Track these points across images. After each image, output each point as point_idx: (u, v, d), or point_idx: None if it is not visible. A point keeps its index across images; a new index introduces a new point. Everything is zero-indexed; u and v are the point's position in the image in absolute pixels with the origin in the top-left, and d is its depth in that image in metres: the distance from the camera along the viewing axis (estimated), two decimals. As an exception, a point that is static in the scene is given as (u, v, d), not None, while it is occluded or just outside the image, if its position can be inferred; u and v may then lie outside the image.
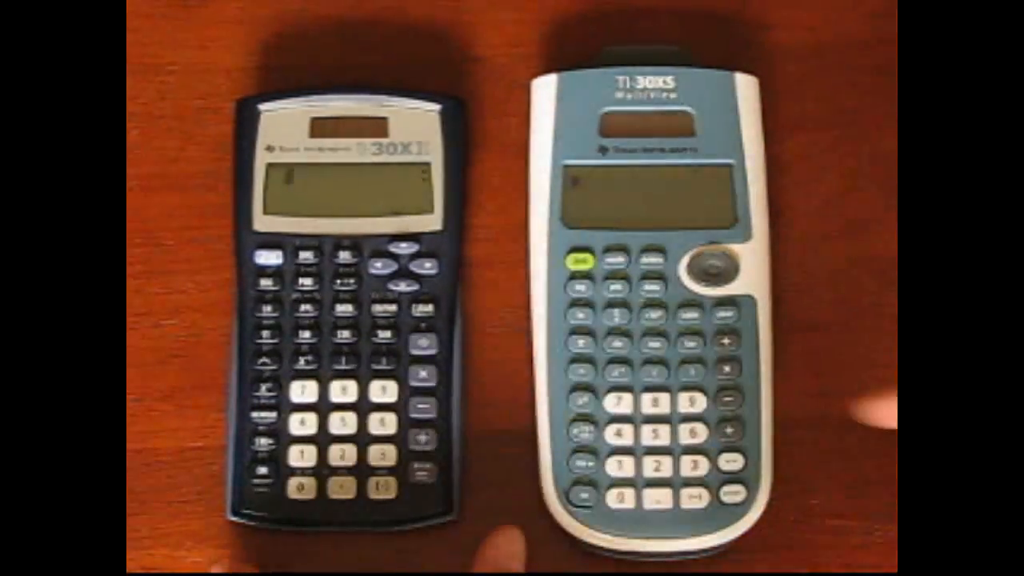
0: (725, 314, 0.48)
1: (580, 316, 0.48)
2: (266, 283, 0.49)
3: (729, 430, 0.47)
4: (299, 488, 0.47)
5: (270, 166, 0.50)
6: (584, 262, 0.48)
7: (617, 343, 0.48)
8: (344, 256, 0.49)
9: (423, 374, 0.48)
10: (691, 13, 0.54)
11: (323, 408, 0.48)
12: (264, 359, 0.48)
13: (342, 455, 0.47)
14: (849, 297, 0.51)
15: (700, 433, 0.47)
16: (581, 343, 0.48)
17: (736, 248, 0.48)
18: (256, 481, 0.47)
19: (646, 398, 0.47)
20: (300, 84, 0.51)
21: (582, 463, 0.47)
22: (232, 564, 0.47)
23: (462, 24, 0.54)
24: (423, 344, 0.48)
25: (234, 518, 0.47)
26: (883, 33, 0.53)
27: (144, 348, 0.50)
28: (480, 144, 0.52)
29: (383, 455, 0.47)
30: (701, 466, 0.47)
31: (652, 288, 0.48)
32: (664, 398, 0.47)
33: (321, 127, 0.50)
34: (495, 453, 0.49)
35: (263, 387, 0.48)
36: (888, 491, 0.47)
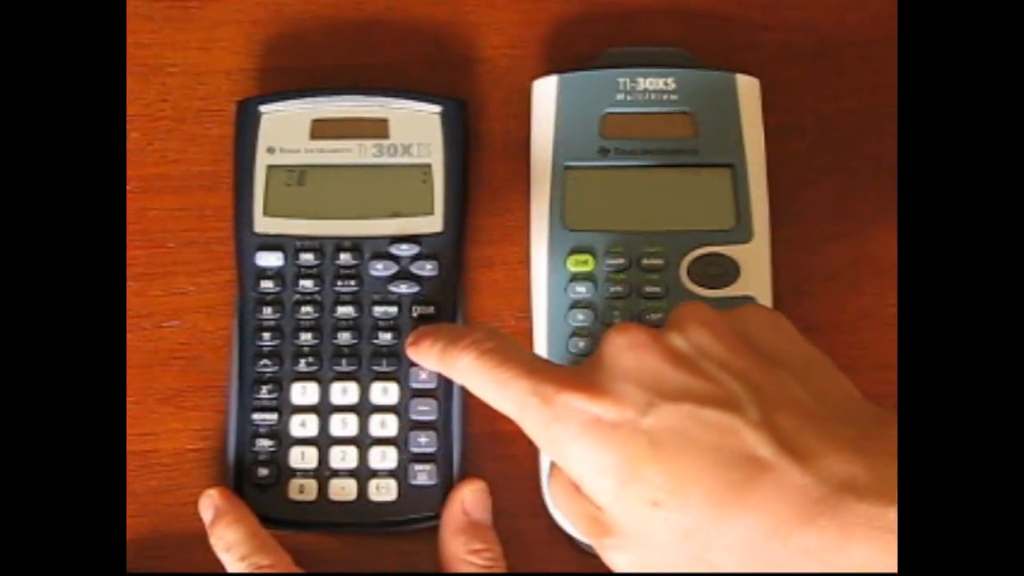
0: (726, 315, 0.48)
1: (581, 318, 0.48)
2: (267, 285, 0.49)
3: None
4: (300, 490, 0.47)
5: (271, 168, 0.50)
6: (585, 264, 0.48)
7: (618, 344, 0.48)
8: (345, 258, 0.49)
9: (424, 376, 0.48)
10: (692, 14, 0.54)
11: (324, 410, 0.48)
12: (265, 361, 0.48)
13: (343, 457, 0.47)
14: (849, 298, 0.51)
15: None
16: (582, 344, 0.48)
17: (737, 250, 0.48)
18: (257, 483, 0.47)
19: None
20: (301, 85, 0.51)
21: (583, 464, 0.47)
22: (222, 492, 0.47)
23: (463, 25, 0.54)
24: (424, 346, 0.48)
25: (235, 520, 0.47)
26: (883, 33, 0.53)
27: (144, 350, 0.50)
28: (481, 145, 0.52)
29: (384, 457, 0.47)
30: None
31: (653, 290, 0.48)
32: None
33: (322, 128, 0.50)
34: (495, 454, 0.49)
35: (264, 389, 0.48)
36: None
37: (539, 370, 0.39)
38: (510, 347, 0.40)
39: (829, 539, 0.33)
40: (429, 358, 0.43)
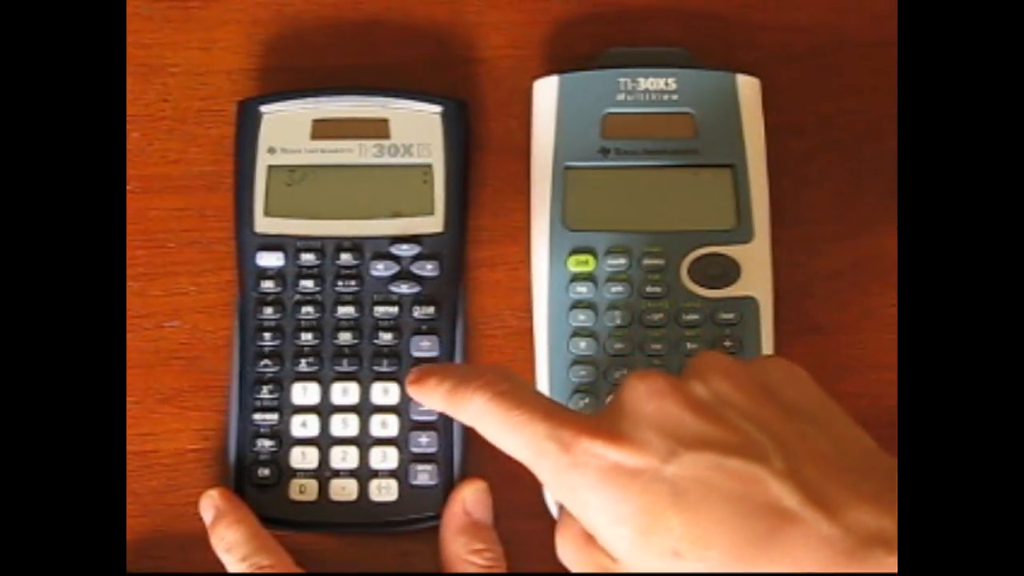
0: (727, 316, 0.48)
1: (581, 318, 0.48)
2: (267, 285, 0.49)
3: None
4: (300, 490, 0.47)
5: (271, 168, 0.50)
6: (585, 264, 0.48)
7: (618, 345, 0.48)
8: (345, 258, 0.49)
9: (424, 376, 0.48)
10: (692, 14, 0.54)
11: (324, 410, 0.48)
12: (265, 361, 0.48)
13: (344, 457, 0.47)
14: (850, 298, 0.51)
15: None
16: (583, 345, 0.48)
17: (737, 250, 0.48)
18: (257, 483, 0.47)
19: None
20: (301, 86, 0.51)
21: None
22: (223, 492, 0.47)
23: (464, 25, 0.54)
24: (425, 346, 0.48)
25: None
26: (883, 34, 0.53)
27: (145, 350, 0.50)
28: (481, 146, 0.52)
29: (384, 457, 0.47)
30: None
31: (654, 290, 0.48)
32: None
33: (322, 129, 0.50)
34: (496, 454, 0.48)
35: (264, 389, 0.48)
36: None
37: (556, 415, 0.37)
38: (525, 390, 0.39)
39: None
40: (434, 397, 0.41)
